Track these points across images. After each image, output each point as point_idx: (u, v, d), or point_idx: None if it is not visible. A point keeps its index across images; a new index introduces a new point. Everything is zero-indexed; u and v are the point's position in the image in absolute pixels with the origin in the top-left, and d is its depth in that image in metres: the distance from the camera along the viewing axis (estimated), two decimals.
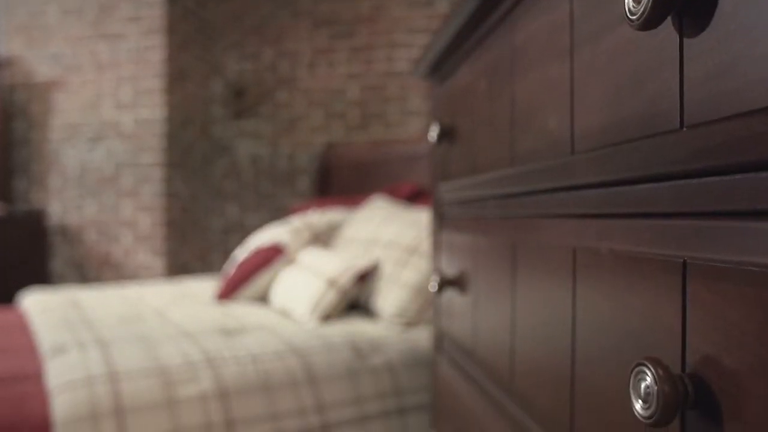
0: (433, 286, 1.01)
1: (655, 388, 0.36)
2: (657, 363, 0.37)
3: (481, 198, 0.85)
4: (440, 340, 1.15)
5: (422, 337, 1.68)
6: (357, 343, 1.60)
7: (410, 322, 1.76)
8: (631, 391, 0.39)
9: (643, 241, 0.44)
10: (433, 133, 1.04)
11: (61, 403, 1.25)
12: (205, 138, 3.85)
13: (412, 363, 1.58)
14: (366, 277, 1.90)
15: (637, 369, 0.38)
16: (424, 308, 1.77)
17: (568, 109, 0.56)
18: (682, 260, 0.38)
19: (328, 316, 1.82)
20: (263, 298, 2.17)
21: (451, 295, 1.04)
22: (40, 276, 3.49)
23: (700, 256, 0.37)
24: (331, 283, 1.84)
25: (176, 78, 3.55)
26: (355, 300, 1.95)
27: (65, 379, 1.31)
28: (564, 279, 0.57)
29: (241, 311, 1.96)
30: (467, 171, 0.93)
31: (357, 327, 1.73)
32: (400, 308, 1.77)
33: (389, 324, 1.78)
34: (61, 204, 3.59)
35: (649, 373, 0.37)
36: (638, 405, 0.38)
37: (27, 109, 3.62)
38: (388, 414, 1.49)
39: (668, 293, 0.40)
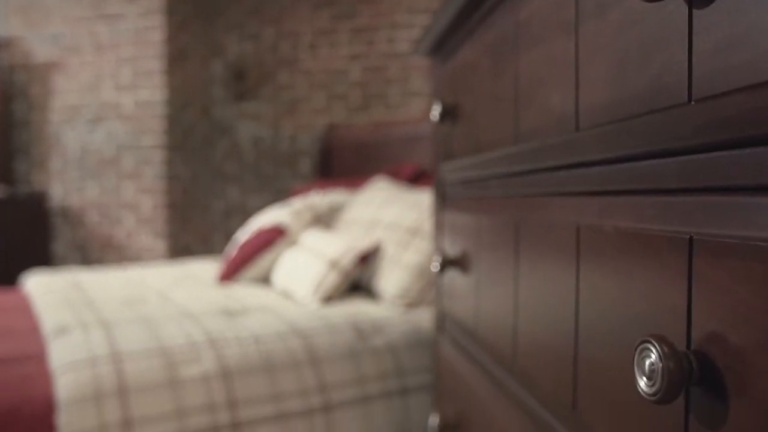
0: (435, 267, 1.01)
1: (660, 365, 0.36)
2: (662, 340, 0.36)
3: (484, 177, 0.85)
4: (442, 320, 1.15)
5: (424, 318, 1.68)
6: (359, 324, 1.60)
7: (412, 304, 1.77)
8: (636, 369, 0.38)
9: (648, 217, 0.43)
10: (436, 112, 1.03)
11: (65, 384, 1.25)
12: (205, 120, 3.83)
13: (414, 344, 1.58)
14: (368, 259, 1.90)
15: (641, 346, 0.38)
16: (426, 289, 1.77)
17: (572, 85, 0.55)
18: (688, 236, 0.38)
19: (329, 298, 1.82)
20: (265, 280, 2.18)
21: (453, 275, 1.03)
22: (43, 258, 3.50)
23: (706, 232, 0.37)
24: (333, 264, 1.84)
25: (176, 59, 3.53)
26: (356, 281, 1.95)
27: (68, 360, 1.31)
28: (567, 257, 0.56)
29: (243, 293, 1.96)
30: (470, 150, 0.92)
31: (359, 308, 1.74)
32: (402, 289, 1.77)
33: (391, 305, 1.78)
34: (62, 186, 3.58)
35: (653, 350, 0.37)
36: (642, 382, 0.37)
37: (27, 91, 3.60)
38: (390, 394, 1.50)
39: (673, 270, 0.39)
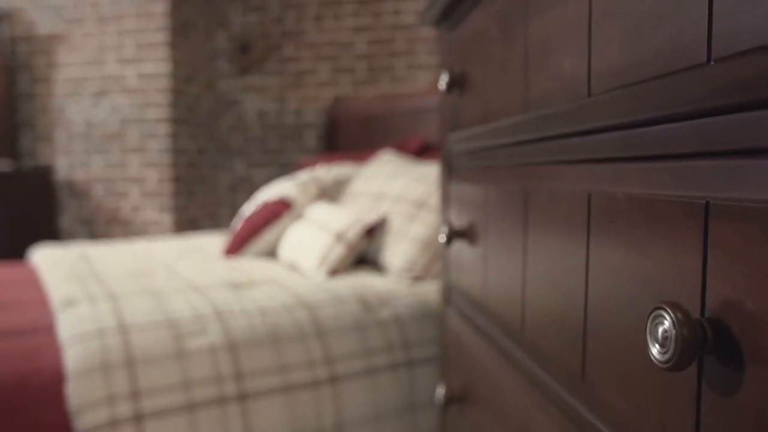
0: (442, 238, 1.00)
1: (674, 332, 0.35)
2: (676, 307, 0.36)
3: (493, 147, 0.84)
4: (449, 292, 1.14)
5: (430, 290, 1.68)
6: (365, 297, 1.60)
7: (418, 276, 1.76)
8: (648, 336, 0.38)
9: (663, 183, 0.42)
10: (443, 81, 1.01)
11: (73, 355, 1.26)
12: (210, 93, 3.81)
13: (420, 316, 1.59)
14: (374, 232, 1.89)
15: (654, 313, 0.37)
16: (432, 262, 1.77)
17: (584, 49, 0.54)
18: (704, 201, 0.37)
19: (335, 271, 1.82)
20: (271, 254, 2.18)
21: (460, 247, 1.03)
22: (49, 232, 3.51)
23: (723, 197, 0.36)
24: (339, 237, 1.84)
25: (180, 31, 3.49)
26: (363, 255, 1.95)
27: (76, 332, 1.32)
28: (577, 226, 0.56)
29: (249, 266, 1.97)
30: (478, 120, 0.91)
31: (365, 281, 1.74)
32: (408, 262, 1.77)
33: (397, 278, 1.78)
34: (68, 160, 3.58)
35: (667, 317, 0.36)
36: (655, 350, 0.37)
37: (30, 63, 3.58)
38: (396, 367, 1.50)
39: (688, 236, 0.39)
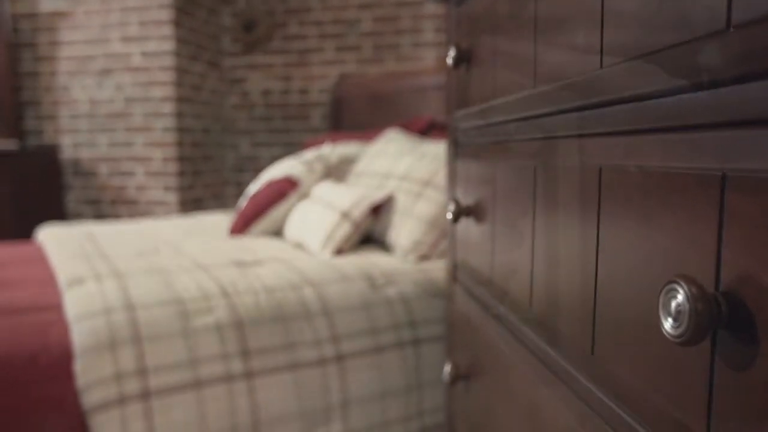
0: (449, 216, 1.00)
1: (687, 306, 0.35)
2: (690, 280, 0.35)
3: (501, 122, 0.83)
4: (455, 270, 1.14)
5: (437, 268, 1.67)
6: (371, 275, 1.60)
7: (424, 255, 1.76)
8: (661, 310, 0.37)
9: (677, 155, 0.41)
10: (451, 57, 1.00)
11: (81, 332, 1.27)
12: (215, 71, 3.79)
13: (427, 294, 1.59)
14: (380, 210, 1.89)
15: (668, 287, 0.37)
16: (439, 240, 1.76)
17: (597, 19, 0.53)
18: (720, 173, 0.36)
19: (341, 249, 1.82)
20: (277, 232, 2.18)
21: (467, 224, 1.02)
22: (55, 212, 3.52)
23: (740, 168, 0.35)
24: (345, 215, 1.84)
25: (184, 9, 3.47)
26: (369, 233, 1.95)
27: (83, 309, 1.32)
28: (588, 201, 0.55)
29: (255, 244, 1.97)
30: (486, 96, 0.90)
31: (371, 259, 1.73)
32: (415, 241, 1.76)
33: (403, 256, 1.77)
34: (73, 139, 3.57)
35: (681, 291, 0.35)
36: (668, 324, 0.36)
37: (32, 41, 3.56)
38: (402, 345, 1.51)
39: (703, 209, 0.38)
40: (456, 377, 1.07)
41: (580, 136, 0.57)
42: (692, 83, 0.39)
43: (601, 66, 0.52)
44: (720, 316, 0.35)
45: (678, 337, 0.35)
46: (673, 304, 0.36)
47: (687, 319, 0.35)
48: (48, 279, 1.62)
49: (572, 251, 0.59)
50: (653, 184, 0.44)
